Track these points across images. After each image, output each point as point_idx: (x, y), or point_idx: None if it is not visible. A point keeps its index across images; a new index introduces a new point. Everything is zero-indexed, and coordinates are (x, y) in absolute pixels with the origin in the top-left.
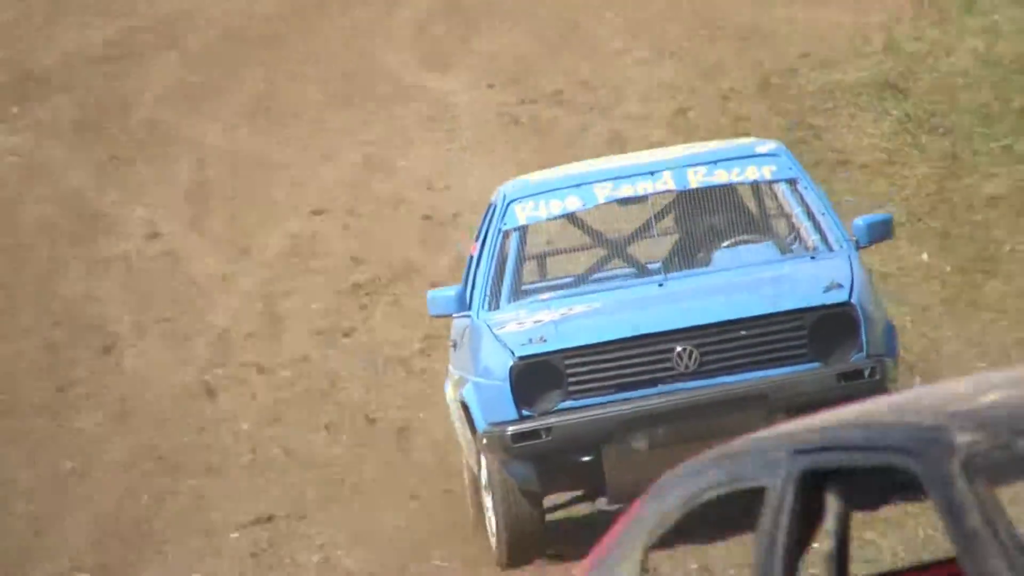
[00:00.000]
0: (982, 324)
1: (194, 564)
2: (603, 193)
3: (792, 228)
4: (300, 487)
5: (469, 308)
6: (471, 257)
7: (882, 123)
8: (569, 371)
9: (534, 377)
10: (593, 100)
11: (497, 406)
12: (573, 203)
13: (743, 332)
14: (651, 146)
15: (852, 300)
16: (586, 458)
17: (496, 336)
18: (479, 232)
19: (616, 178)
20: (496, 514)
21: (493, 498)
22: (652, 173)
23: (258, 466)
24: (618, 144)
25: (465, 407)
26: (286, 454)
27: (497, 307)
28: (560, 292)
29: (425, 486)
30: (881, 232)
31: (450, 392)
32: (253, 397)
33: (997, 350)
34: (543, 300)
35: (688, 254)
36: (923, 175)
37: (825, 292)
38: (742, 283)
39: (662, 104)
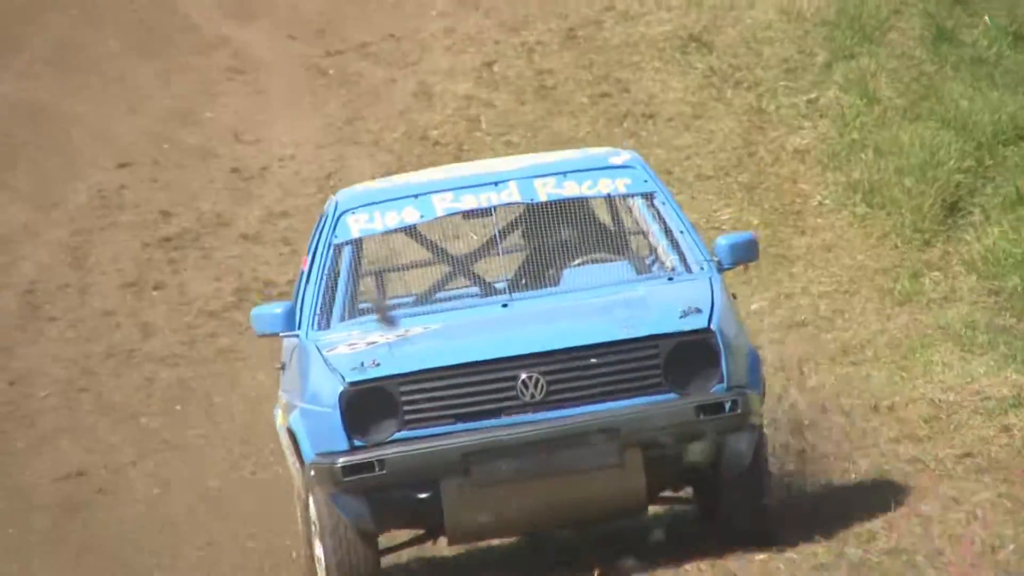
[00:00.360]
0: (790, 276)
1: (6, 520)
2: (443, 205)
3: (649, 247)
4: (112, 441)
5: (298, 327)
6: (302, 272)
7: (687, 77)
8: (405, 399)
9: (366, 404)
10: (399, 53)
11: (326, 435)
12: (411, 215)
13: (593, 360)
14: (458, 99)
15: (711, 327)
16: (423, 494)
17: (325, 359)
18: (310, 244)
19: (457, 188)
20: (326, 553)
21: (322, 536)
22: (496, 184)
23: (70, 417)
24: (425, 97)
25: (293, 436)
26: (98, 408)
27: (328, 327)
28: (397, 312)
29: (239, 457)
30: (745, 253)
31: (279, 418)
32: (62, 350)
33: (808, 302)
34: (376, 319)
35: (536, 273)
36: (729, 129)
37: (682, 318)
38: (593, 306)
39: (468, 57)
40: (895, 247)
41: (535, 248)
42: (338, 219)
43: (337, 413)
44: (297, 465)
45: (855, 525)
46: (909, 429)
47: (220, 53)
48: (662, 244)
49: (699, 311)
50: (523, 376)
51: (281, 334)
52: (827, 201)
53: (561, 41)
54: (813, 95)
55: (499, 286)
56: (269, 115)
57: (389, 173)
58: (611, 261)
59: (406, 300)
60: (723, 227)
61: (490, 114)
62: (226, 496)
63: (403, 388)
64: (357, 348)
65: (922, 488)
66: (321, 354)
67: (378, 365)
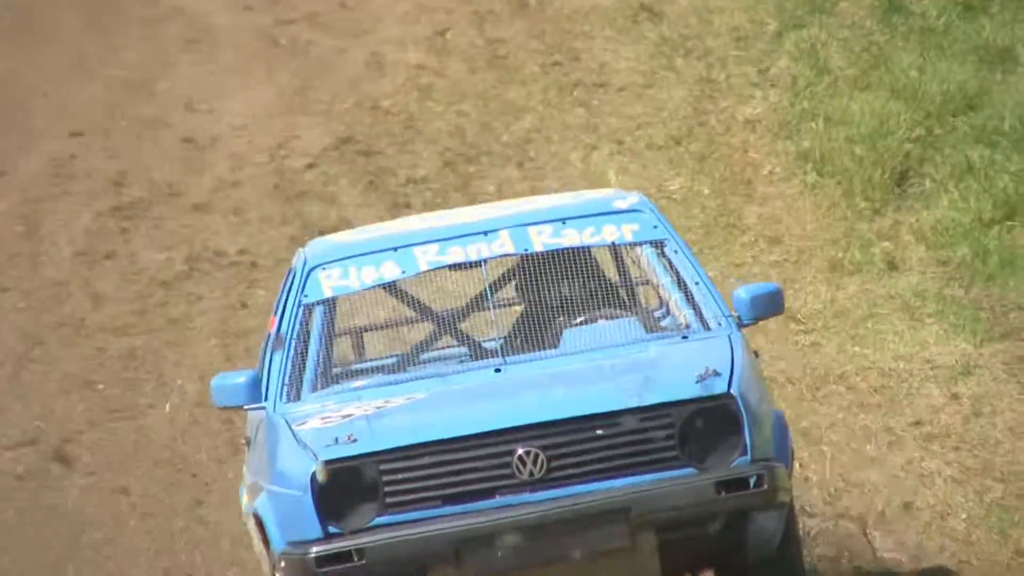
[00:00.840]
0: (741, 246)
1: None
2: (426, 258)
3: (660, 301)
4: (64, 410)
5: (264, 398)
6: (268, 335)
7: (638, 46)
8: (386, 479)
9: (343, 486)
10: (350, 22)
11: (298, 522)
12: (390, 270)
13: (599, 431)
14: (409, 68)
15: (732, 391)
16: None
17: (295, 434)
18: (277, 304)
19: (443, 240)
20: None
21: None
22: (486, 233)
23: (22, 386)
24: (376, 66)
25: (259, 521)
26: (49, 377)
27: (298, 398)
28: (376, 380)
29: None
30: (768, 306)
31: (245, 500)
32: (13, 320)
33: (759, 271)
34: (355, 389)
35: (532, 333)
36: (680, 98)
37: (699, 382)
38: (598, 370)
39: (419, 26)
40: (845, 217)
41: (531, 305)
42: (308, 275)
43: (309, 496)
44: (265, 555)
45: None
46: (860, 398)
47: (174, 23)
48: (675, 297)
49: (718, 374)
50: (519, 451)
51: (245, 407)
52: (777, 170)
53: (513, 10)
54: (763, 65)
55: (490, 347)
56: (222, 85)
57: (341, 143)
58: (617, 318)
59: (387, 363)
60: (674, 196)
61: (441, 83)
62: (177, 465)
63: (383, 467)
64: (331, 422)
65: (873, 456)
66: (291, 429)
67: (354, 441)
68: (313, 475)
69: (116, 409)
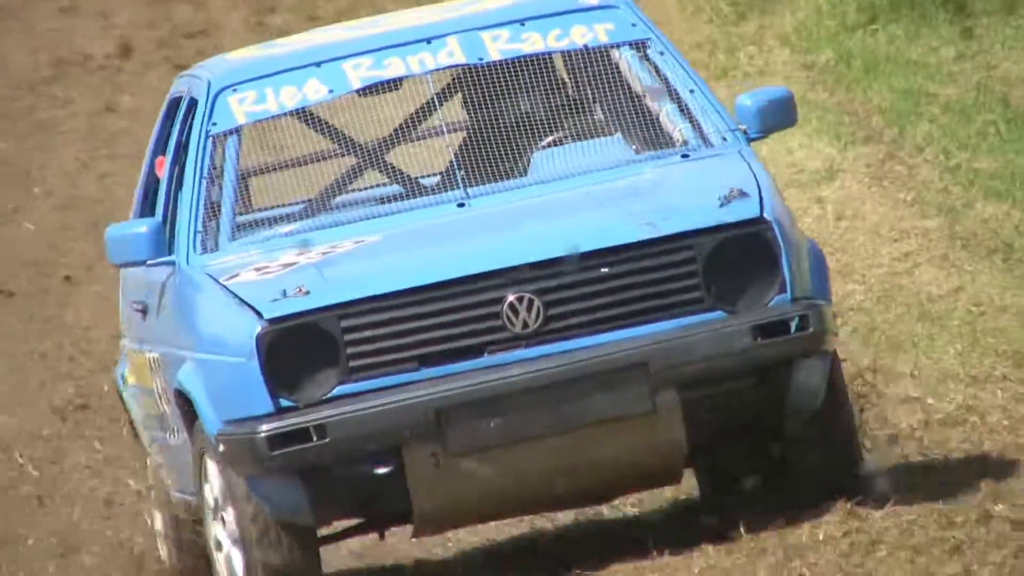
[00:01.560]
0: None
1: None
2: (359, 73)
3: (646, 114)
4: None
5: (169, 251)
6: (158, 179)
7: None
8: (348, 338)
9: (295, 349)
10: None
11: (240, 395)
12: (315, 90)
13: (605, 270)
14: None
15: (765, 215)
16: (382, 469)
17: (228, 289)
18: (164, 137)
19: (378, 50)
20: (248, 566)
21: (236, 542)
22: (429, 40)
23: None
24: None
25: (183, 398)
26: None
27: (216, 248)
28: (307, 223)
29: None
30: (778, 116)
31: (131, 379)
32: None
33: None
34: (284, 235)
35: (492, 160)
36: None
37: (723, 206)
38: (590, 198)
39: None
40: (710, 21)
41: (486, 126)
42: (214, 101)
43: (255, 362)
44: (179, 443)
45: None
46: None
47: None
48: (666, 109)
49: (744, 195)
50: (510, 298)
51: (149, 263)
52: None
53: None
54: None
55: (429, 182)
56: None
57: None
58: (596, 137)
59: (300, 207)
60: None
61: None
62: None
63: (345, 323)
64: (269, 273)
65: None
66: (219, 284)
67: (307, 293)
68: (259, 336)
69: None
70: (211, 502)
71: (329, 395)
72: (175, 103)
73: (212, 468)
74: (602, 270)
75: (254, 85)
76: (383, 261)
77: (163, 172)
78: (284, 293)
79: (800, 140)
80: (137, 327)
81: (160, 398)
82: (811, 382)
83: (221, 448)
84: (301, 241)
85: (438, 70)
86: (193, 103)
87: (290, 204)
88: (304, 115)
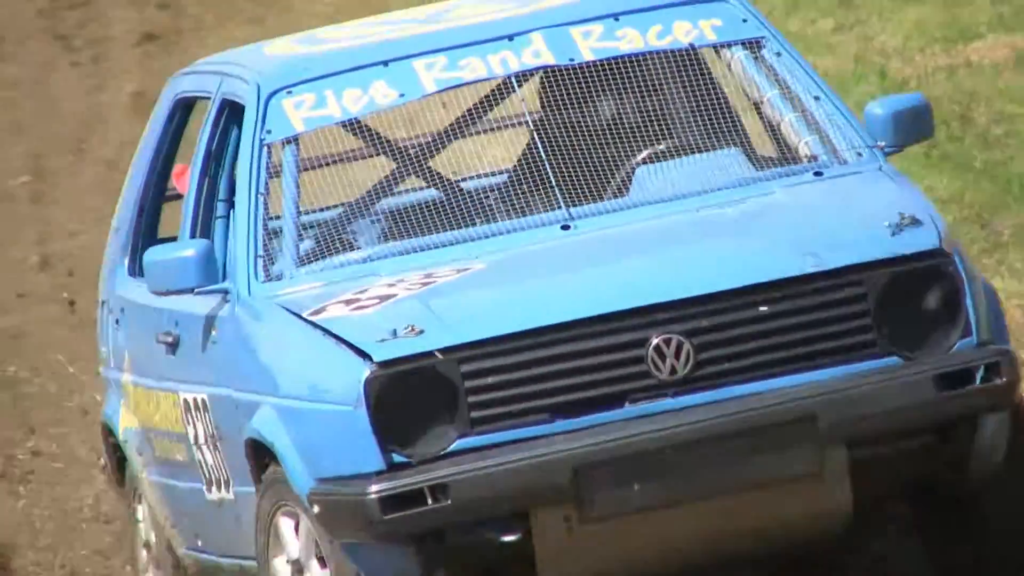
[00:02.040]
0: None
1: None
2: (433, 74)
3: (765, 124)
4: None
5: (224, 278)
6: (158, 187)
7: None
8: (470, 385)
9: (409, 397)
10: None
11: (342, 449)
12: (384, 94)
13: (764, 308)
14: None
15: (944, 246)
16: (509, 537)
17: (317, 326)
18: (161, 141)
19: (452, 48)
20: None
21: None
22: (511, 37)
23: None
24: None
25: (257, 450)
26: None
27: (280, 276)
28: (383, 248)
29: None
30: (914, 127)
31: (137, 421)
32: None
33: None
34: (362, 261)
35: (596, 174)
36: None
37: (895, 235)
38: (727, 223)
39: None
40: None
41: (583, 135)
42: (267, 104)
43: (362, 411)
44: (233, 495)
45: None
46: None
47: None
48: (788, 118)
49: (917, 222)
50: (655, 340)
51: (197, 291)
52: None
53: None
54: None
55: (540, 197)
56: None
57: None
58: (712, 150)
59: (366, 226)
60: None
61: None
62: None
63: (466, 368)
64: (365, 308)
65: None
66: (305, 320)
67: (420, 333)
68: (368, 382)
69: None
70: (278, 568)
71: (448, 450)
72: (185, 104)
73: (286, 529)
74: (760, 308)
75: (312, 87)
76: (501, 294)
77: (184, 184)
78: (394, 333)
79: None
80: (161, 362)
81: (199, 446)
82: (997, 439)
83: (316, 509)
84: (383, 270)
85: (523, 72)
86: (232, 107)
87: (352, 221)
88: (361, 124)
